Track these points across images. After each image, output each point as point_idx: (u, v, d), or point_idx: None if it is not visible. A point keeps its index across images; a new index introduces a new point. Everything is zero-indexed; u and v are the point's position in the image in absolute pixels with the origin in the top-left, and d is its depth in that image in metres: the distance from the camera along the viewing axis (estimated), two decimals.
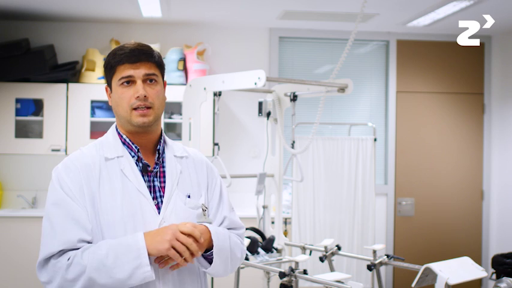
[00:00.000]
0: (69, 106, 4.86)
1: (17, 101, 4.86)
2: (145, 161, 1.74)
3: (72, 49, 5.18)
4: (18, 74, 4.77)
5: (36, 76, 4.79)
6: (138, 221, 1.66)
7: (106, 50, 5.14)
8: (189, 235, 1.61)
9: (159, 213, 1.70)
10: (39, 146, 4.86)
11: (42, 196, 5.13)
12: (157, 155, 1.78)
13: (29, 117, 4.91)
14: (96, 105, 4.94)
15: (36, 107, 4.93)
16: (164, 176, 1.76)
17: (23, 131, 4.96)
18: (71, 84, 4.86)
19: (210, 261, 1.72)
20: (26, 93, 4.83)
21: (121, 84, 1.71)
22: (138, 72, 1.70)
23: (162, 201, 1.72)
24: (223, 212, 1.86)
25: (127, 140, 1.75)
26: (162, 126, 4.39)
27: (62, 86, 4.85)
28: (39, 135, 4.92)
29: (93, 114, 4.91)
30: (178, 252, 1.59)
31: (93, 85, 4.86)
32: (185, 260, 1.61)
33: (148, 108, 1.70)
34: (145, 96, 1.69)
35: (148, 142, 1.77)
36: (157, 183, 1.75)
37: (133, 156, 1.74)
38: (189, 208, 1.75)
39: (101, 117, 4.93)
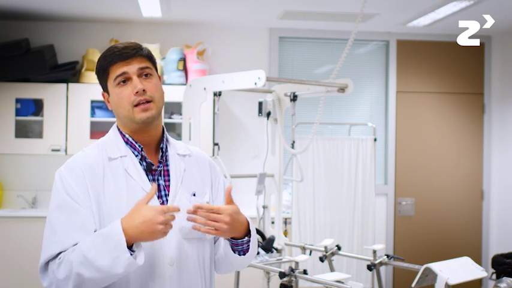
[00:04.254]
0: (69, 106, 4.85)
1: (17, 101, 4.86)
2: (149, 160, 1.73)
3: (72, 49, 5.17)
4: (18, 74, 4.77)
5: (36, 76, 4.79)
6: None
7: None
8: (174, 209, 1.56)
9: None
10: (39, 146, 4.86)
11: (42, 196, 5.13)
12: (160, 153, 1.76)
13: (29, 117, 4.91)
14: (96, 105, 4.94)
15: (36, 107, 4.93)
16: (168, 175, 1.75)
17: (23, 131, 4.96)
18: (71, 84, 4.86)
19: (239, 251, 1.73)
20: (26, 93, 4.83)
21: (117, 84, 1.69)
22: (132, 67, 1.68)
23: (167, 200, 1.71)
24: None
25: (130, 139, 1.73)
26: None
27: (62, 86, 4.85)
28: (39, 135, 4.92)
29: (93, 114, 4.91)
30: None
31: (93, 85, 4.86)
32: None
33: (149, 102, 1.68)
34: (144, 90, 1.67)
35: (151, 140, 1.75)
36: (161, 182, 1.73)
37: (136, 156, 1.72)
38: None
39: (101, 117, 4.93)
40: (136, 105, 1.67)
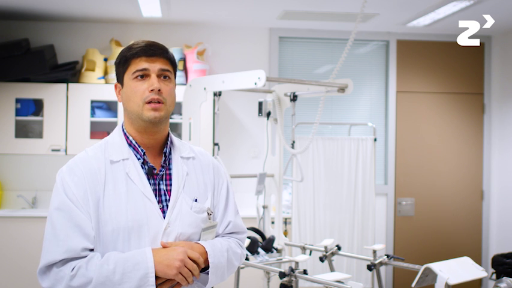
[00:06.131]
0: (69, 106, 4.86)
1: (17, 101, 4.86)
2: (151, 164, 1.71)
3: (72, 49, 5.17)
4: (18, 74, 4.77)
5: (36, 76, 4.79)
6: (143, 226, 1.64)
7: (106, 50, 5.14)
8: (194, 261, 1.65)
9: (164, 217, 1.68)
10: (39, 146, 4.86)
11: (42, 196, 5.13)
12: (163, 157, 1.75)
13: (29, 117, 4.91)
14: (96, 105, 4.93)
15: (36, 107, 4.93)
16: (170, 179, 1.74)
17: (23, 131, 4.96)
18: (71, 84, 4.86)
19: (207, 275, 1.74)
20: (26, 93, 4.83)
21: (134, 78, 1.69)
22: (154, 66, 1.69)
23: (167, 205, 1.70)
24: (229, 217, 1.85)
25: (133, 141, 1.72)
26: None
27: (62, 86, 4.85)
28: (39, 135, 4.92)
29: (93, 114, 4.90)
30: (183, 276, 1.62)
31: (93, 85, 4.86)
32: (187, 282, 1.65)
33: (161, 103, 1.68)
34: (159, 90, 1.67)
35: (155, 143, 1.74)
36: (163, 187, 1.72)
37: (139, 159, 1.71)
38: (194, 212, 1.73)
39: (101, 117, 4.92)
40: (148, 103, 1.67)
